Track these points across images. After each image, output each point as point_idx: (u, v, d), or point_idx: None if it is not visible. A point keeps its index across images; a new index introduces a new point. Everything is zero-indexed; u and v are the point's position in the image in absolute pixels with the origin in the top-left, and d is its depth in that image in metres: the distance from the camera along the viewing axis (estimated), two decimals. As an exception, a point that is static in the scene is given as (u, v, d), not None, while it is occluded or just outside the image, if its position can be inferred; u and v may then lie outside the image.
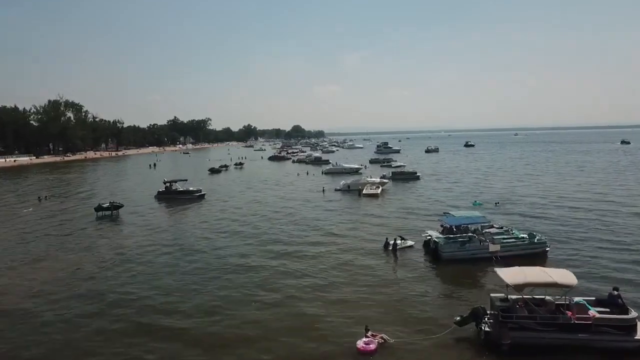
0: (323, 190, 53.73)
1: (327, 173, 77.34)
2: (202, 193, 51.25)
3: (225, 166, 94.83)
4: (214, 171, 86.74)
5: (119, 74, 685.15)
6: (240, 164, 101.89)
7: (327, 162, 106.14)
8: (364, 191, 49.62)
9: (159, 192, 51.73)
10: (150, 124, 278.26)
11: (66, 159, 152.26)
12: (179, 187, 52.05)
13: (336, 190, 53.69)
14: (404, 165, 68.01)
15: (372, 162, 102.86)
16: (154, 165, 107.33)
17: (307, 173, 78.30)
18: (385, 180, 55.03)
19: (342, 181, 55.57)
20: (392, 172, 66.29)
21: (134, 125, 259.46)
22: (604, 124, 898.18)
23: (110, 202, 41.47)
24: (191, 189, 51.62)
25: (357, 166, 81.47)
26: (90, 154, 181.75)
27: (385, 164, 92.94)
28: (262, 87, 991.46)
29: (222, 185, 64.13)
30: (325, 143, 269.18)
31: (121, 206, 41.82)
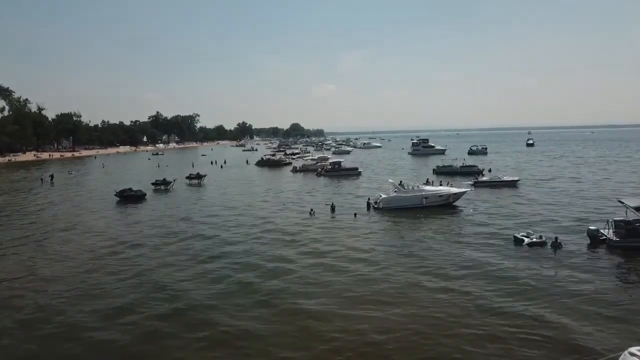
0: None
1: (387, 209, 31.69)
2: None
3: (165, 183, 48.71)
4: (127, 198, 40.46)
5: (111, 71, 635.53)
6: (199, 177, 54.94)
7: (356, 171, 60.61)
8: None
9: None
10: (132, 121, 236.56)
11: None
12: None
13: None
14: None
15: (438, 172, 56.91)
16: (51, 178, 60.63)
17: (333, 208, 32.45)
18: None
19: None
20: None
21: (105, 121, 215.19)
22: (603, 123, 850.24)
23: None
24: None
25: (457, 190, 34.41)
26: (29, 156, 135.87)
27: (479, 179, 46.73)
28: (260, 86, 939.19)
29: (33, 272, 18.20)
30: (330, 141, 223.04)
31: None
